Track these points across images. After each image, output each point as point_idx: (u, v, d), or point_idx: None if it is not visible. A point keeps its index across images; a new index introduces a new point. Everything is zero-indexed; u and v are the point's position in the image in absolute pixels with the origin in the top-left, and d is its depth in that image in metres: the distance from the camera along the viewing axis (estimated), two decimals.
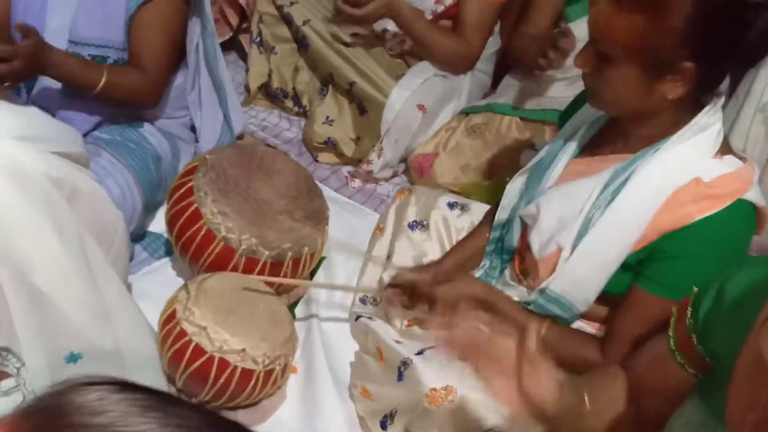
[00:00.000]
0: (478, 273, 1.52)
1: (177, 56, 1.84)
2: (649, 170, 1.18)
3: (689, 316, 0.97)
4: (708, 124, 1.17)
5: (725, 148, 1.19)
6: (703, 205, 1.14)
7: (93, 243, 1.28)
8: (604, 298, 1.27)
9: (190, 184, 1.58)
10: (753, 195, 1.15)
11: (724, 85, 1.89)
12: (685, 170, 1.16)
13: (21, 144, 1.20)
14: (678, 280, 1.17)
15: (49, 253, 1.19)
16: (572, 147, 1.33)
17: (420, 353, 1.30)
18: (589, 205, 1.23)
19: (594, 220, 1.21)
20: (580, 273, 1.24)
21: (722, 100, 1.19)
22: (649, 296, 1.20)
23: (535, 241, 1.29)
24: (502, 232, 1.43)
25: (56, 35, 1.67)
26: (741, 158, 1.19)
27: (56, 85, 1.68)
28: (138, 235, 1.81)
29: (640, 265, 1.21)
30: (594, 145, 1.32)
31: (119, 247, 1.44)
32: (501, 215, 1.44)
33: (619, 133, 1.26)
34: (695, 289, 0.98)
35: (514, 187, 1.42)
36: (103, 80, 1.63)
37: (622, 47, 1.10)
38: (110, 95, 1.67)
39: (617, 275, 1.23)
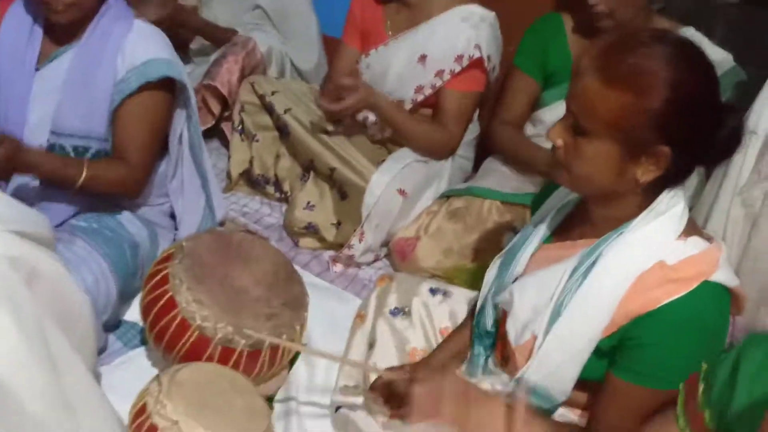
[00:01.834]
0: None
1: (160, 145, 1.85)
2: (614, 255, 1.17)
3: (701, 392, 0.96)
4: (667, 207, 1.17)
5: (691, 229, 1.18)
6: (669, 289, 1.12)
7: (54, 327, 1.22)
8: (583, 384, 1.23)
9: (165, 272, 1.55)
10: (721, 276, 1.13)
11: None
12: (649, 254, 1.15)
13: None
14: (652, 367, 1.14)
15: (4, 336, 1.13)
16: (541, 232, 1.33)
17: None
18: (559, 291, 1.21)
19: (564, 306, 1.20)
20: (554, 360, 1.21)
21: (683, 184, 1.19)
22: (626, 385, 1.17)
23: (511, 329, 1.28)
24: (479, 317, 1.41)
25: (38, 126, 1.68)
26: (708, 239, 1.18)
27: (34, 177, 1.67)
28: (112, 325, 1.77)
29: (613, 352, 1.18)
30: (563, 230, 1.32)
31: (84, 333, 1.39)
32: (479, 302, 1.43)
33: (586, 217, 1.25)
34: (704, 365, 0.98)
35: (491, 273, 1.41)
36: (83, 176, 1.63)
37: (605, 123, 1.09)
38: (91, 189, 1.67)
39: (592, 362, 1.20)
